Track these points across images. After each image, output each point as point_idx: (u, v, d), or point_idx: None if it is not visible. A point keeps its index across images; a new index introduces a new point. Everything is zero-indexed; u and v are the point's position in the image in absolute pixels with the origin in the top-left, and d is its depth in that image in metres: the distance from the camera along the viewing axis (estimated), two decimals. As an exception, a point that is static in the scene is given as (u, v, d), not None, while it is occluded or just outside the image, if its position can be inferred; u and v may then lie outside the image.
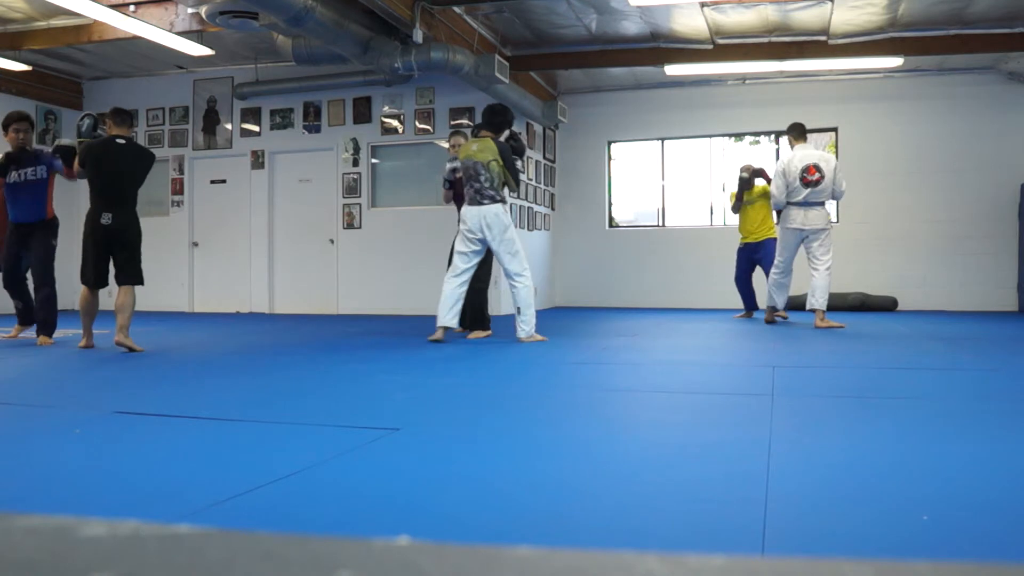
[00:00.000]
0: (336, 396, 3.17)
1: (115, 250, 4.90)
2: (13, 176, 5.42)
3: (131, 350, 4.73)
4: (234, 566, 0.42)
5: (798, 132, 6.76)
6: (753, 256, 7.73)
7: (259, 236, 9.60)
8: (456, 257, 5.38)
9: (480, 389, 3.38)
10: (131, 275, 4.93)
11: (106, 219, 4.81)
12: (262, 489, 1.70)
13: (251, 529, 0.48)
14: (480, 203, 5.27)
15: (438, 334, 5.32)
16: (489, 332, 5.86)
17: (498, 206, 5.26)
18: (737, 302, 8.20)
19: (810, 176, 6.49)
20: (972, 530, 1.42)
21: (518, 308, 5.32)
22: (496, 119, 5.43)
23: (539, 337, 5.34)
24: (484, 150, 5.30)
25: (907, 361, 4.30)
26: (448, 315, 5.31)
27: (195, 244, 9.86)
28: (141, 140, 10.04)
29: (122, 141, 4.91)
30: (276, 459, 2.00)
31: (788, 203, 6.59)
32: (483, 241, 5.31)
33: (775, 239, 7.22)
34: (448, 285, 5.36)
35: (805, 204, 6.54)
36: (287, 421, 2.57)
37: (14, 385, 3.64)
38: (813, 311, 6.57)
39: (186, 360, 4.53)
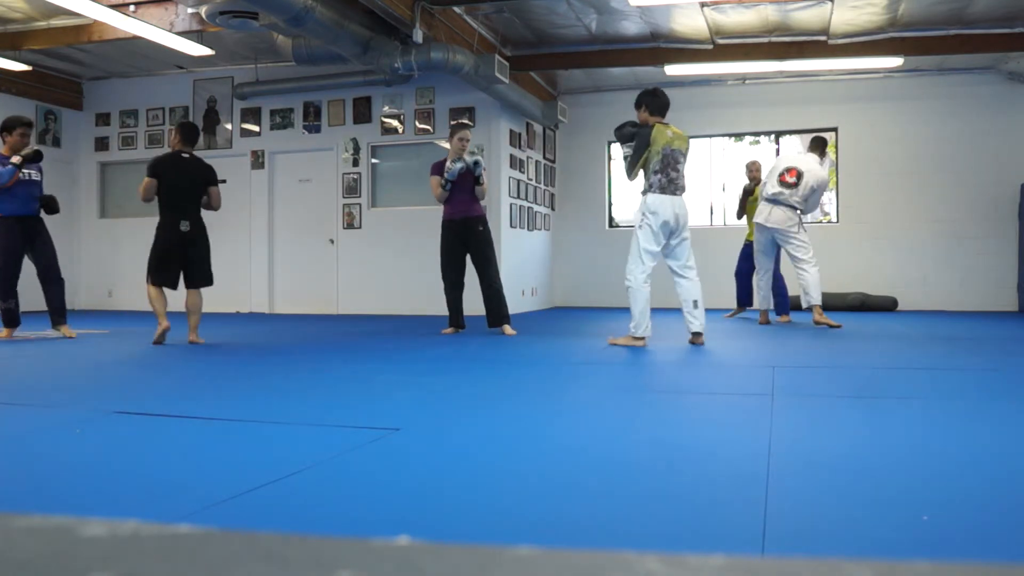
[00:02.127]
0: (336, 396, 3.17)
1: (190, 254, 5.33)
2: (23, 175, 5.66)
3: (200, 343, 5.30)
4: (234, 566, 0.42)
5: (814, 144, 7.02)
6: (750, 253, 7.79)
7: (259, 236, 9.60)
8: (647, 256, 4.96)
9: (480, 389, 3.38)
10: (204, 278, 5.43)
11: (184, 227, 5.26)
12: (262, 489, 1.70)
13: (251, 529, 0.48)
14: (675, 193, 5.05)
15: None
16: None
17: None
18: (734, 302, 8.18)
19: (788, 177, 6.63)
20: (972, 530, 1.42)
21: (694, 302, 5.02)
22: (667, 104, 5.13)
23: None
24: (681, 138, 5.14)
25: (907, 361, 4.30)
26: (647, 322, 4.95)
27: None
28: (141, 140, 10.07)
29: (186, 156, 5.35)
30: (276, 459, 2.00)
31: (763, 198, 6.79)
32: (672, 233, 5.04)
33: None
34: (647, 288, 4.96)
35: (773, 201, 6.67)
36: (287, 421, 2.57)
37: (14, 385, 3.64)
38: (811, 308, 6.61)
39: (186, 360, 4.53)
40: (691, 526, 1.46)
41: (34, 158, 5.66)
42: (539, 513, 1.57)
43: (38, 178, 5.78)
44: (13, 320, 5.72)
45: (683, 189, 5.16)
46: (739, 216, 8.12)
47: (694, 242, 4.70)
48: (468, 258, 6.14)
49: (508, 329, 5.97)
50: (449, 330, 6.15)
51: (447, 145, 9.02)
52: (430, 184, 6.14)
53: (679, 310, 5.20)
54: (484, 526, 1.47)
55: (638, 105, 5.14)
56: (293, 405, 2.96)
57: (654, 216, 4.96)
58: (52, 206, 5.83)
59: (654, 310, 5.12)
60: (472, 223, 6.03)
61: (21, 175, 5.60)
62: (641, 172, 5.07)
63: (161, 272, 5.29)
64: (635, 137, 5.01)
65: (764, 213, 6.71)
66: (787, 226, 6.62)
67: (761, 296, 7.06)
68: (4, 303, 5.65)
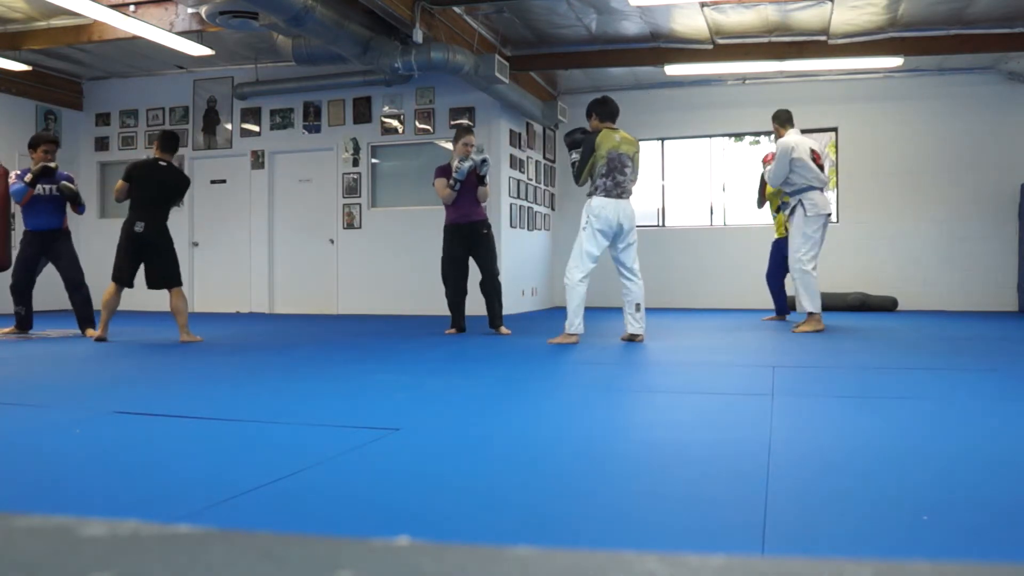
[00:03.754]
0: (336, 396, 3.17)
1: (149, 256, 5.48)
2: (38, 189, 5.92)
3: (194, 341, 5.44)
4: (234, 566, 0.42)
5: (783, 119, 6.33)
6: (785, 252, 7.10)
7: (259, 236, 9.60)
8: (587, 258, 5.14)
9: (480, 389, 3.38)
10: (164, 278, 5.52)
11: (139, 227, 5.41)
12: (262, 489, 1.70)
13: (251, 529, 0.48)
14: (620, 196, 5.17)
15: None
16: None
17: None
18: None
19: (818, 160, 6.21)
20: (972, 530, 1.42)
21: (637, 305, 5.24)
22: (616, 111, 5.32)
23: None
24: (629, 143, 5.26)
25: (907, 361, 4.29)
26: (579, 320, 5.20)
27: (195, 244, 9.86)
28: (141, 140, 10.06)
29: (163, 164, 5.58)
30: (276, 459, 2.00)
31: (812, 187, 6.10)
32: (615, 236, 5.20)
33: None
34: (582, 288, 5.20)
35: (820, 188, 6.13)
36: (287, 421, 2.57)
37: (14, 385, 3.64)
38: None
39: (186, 360, 4.53)
40: (691, 526, 1.46)
41: (42, 173, 5.82)
42: (539, 513, 1.57)
43: (57, 193, 5.99)
44: (24, 324, 6.01)
45: (629, 193, 5.26)
46: (759, 206, 7.54)
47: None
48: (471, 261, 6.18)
49: (504, 329, 6.10)
50: (452, 331, 6.18)
51: (448, 146, 9.06)
52: (435, 187, 6.13)
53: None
54: (484, 526, 1.47)
55: (588, 114, 5.35)
56: (293, 405, 2.95)
57: (597, 219, 5.09)
58: (74, 200, 6.04)
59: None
60: (477, 227, 6.07)
61: (40, 191, 5.89)
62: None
63: (116, 269, 5.50)
64: (582, 143, 5.20)
65: (822, 201, 6.09)
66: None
67: (812, 295, 6.09)
68: (16, 308, 6.01)
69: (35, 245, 5.95)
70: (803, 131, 6.71)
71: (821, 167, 6.20)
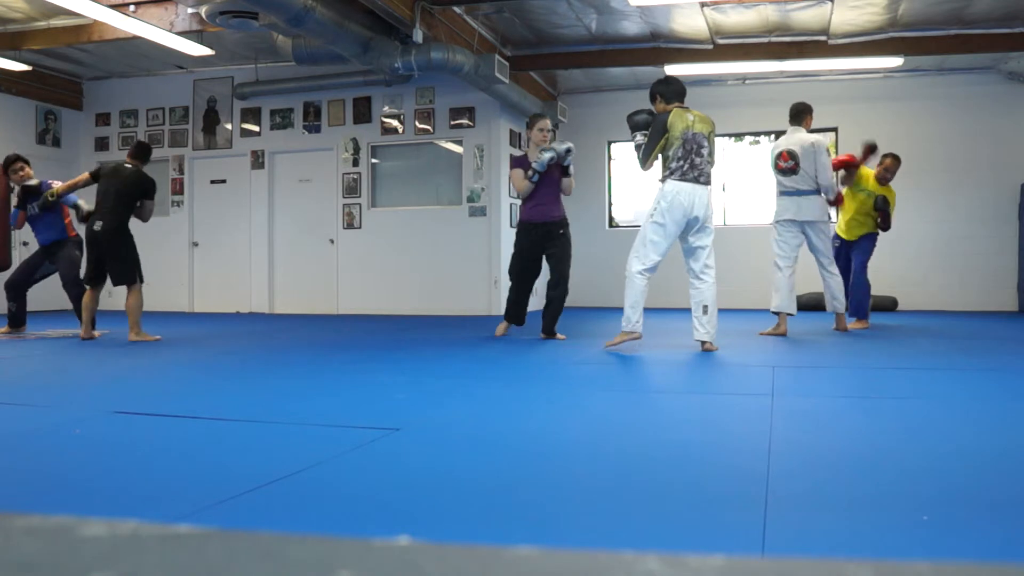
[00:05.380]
0: (336, 396, 3.17)
1: (100, 253, 5.59)
2: (30, 209, 6.13)
3: (146, 340, 5.45)
4: (234, 566, 0.42)
5: (789, 115, 6.06)
6: (848, 254, 6.76)
7: (259, 236, 9.60)
8: (651, 248, 4.58)
9: (480, 389, 3.38)
10: (116, 275, 5.61)
11: (96, 226, 5.56)
12: (262, 489, 1.70)
13: (251, 529, 0.48)
14: (698, 181, 4.59)
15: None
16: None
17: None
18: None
19: (783, 162, 5.86)
20: (972, 530, 1.42)
21: (704, 307, 4.64)
22: (683, 90, 4.78)
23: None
24: (704, 121, 4.69)
25: (907, 361, 4.29)
26: (637, 316, 4.65)
27: (195, 244, 9.86)
28: (141, 140, 10.06)
29: (129, 166, 5.72)
30: (276, 459, 2.00)
31: (783, 192, 5.96)
32: (688, 226, 4.62)
33: (868, 235, 6.66)
34: (641, 281, 4.63)
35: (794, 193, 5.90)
36: (287, 421, 2.57)
37: (14, 385, 3.64)
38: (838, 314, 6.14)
39: (186, 360, 4.53)
40: (691, 526, 1.46)
41: (25, 194, 6.07)
42: (539, 513, 1.57)
43: (37, 211, 6.09)
44: (16, 321, 6.12)
45: (708, 178, 4.67)
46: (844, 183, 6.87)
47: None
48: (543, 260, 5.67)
49: (559, 335, 5.63)
50: (503, 328, 5.76)
51: (448, 146, 9.07)
52: (511, 179, 5.61)
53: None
54: (484, 526, 1.47)
55: (652, 98, 4.84)
56: (293, 405, 2.95)
57: (670, 205, 4.54)
58: (50, 207, 6.12)
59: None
60: (554, 228, 5.50)
61: (31, 209, 6.09)
62: (659, 161, 4.69)
63: (86, 271, 5.74)
64: (649, 124, 4.68)
65: (781, 207, 5.91)
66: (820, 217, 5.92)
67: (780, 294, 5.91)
68: (8, 304, 6.16)
69: (40, 253, 6.23)
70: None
71: (787, 170, 5.83)
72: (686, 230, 4.63)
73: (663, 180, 4.64)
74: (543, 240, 5.51)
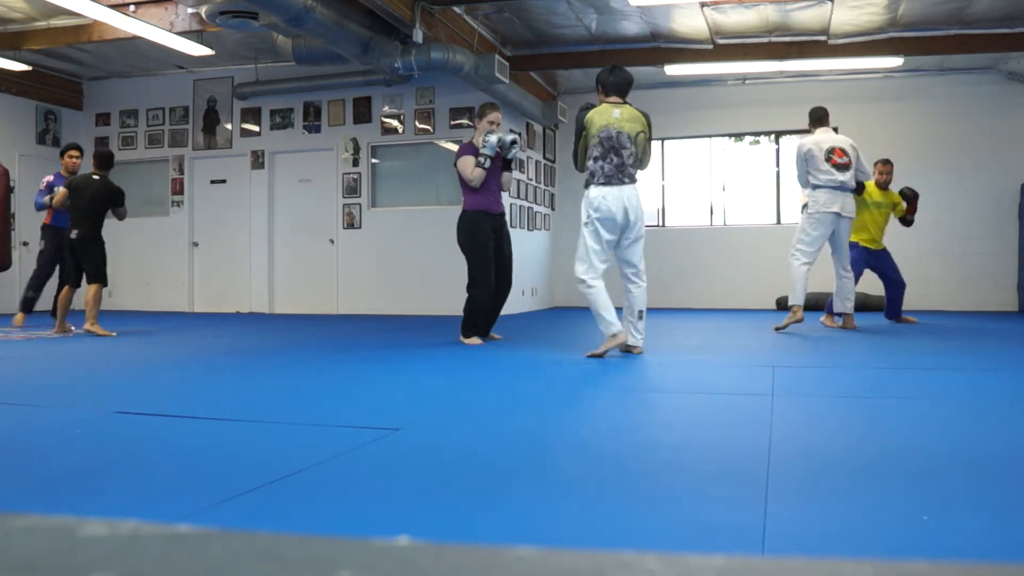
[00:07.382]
0: (336, 396, 3.17)
1: (77, 257, 6.12)
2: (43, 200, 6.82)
3: (99, 335, 5.94)
4: (234, 566, 0.42)
5: (812, 119, 6.31)
6: (872, 262, 7.14)
7: (259, 236, 9.60)
8: (594, 255, 4.46)
9: (480, 389, 3.38)
10: (91, 275, 6.11)
11: (73, 234, 6.09)
12: (262, 489, 1.70)
13: (251, 529, 0.48)
14: (622, 182, 4.43)
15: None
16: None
17: (637, 188, 4.52)
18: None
19: (838, 158, 6.04)
20: (972, 530, 1.42)
21: (640, 312, 4.55)
22: (630, 84, 4.60)
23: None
24: (631, 120, 4.48)
25: (906, 361, 4.29)
26: (612, 317, 4.43)
27: (195, 244, 9.86)
28: (141, 140, 10.06)
29: (96, 177, 6.19)
30: (276, 459, 2.00)
31: (819, 186, 6.06)
32: (622, 229, 4.47)
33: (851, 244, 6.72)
34: (598, 285, 4.47)
35: (841, 188, 6.05)
36: (287, 421, 2.57)
37: (14, 385, 3.64)
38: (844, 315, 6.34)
39: (186, 360, 4.53)
40: (691, 526, 1.46)
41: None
42: (539, 513, 1.57)
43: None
44: (27, 306, 6.91)
45: (632, 178, 4.51)
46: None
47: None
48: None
49: (494, 335, 5.58)
50: (476, 341, 5.30)
51: (448, 145, 9.07)
52: (459, 168, 5.29)
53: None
54: (484, 526, 1.47)
55: (595, 87, 4.70)
56: (293, 405, 2.96)
57: (598, 211, 4.41)
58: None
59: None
60: (504, 221, 5.40)
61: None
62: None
63: (66, 272, 6.37)
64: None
65: (823, 200, 5.98)
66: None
67: (795, 288, 6.10)
68: (26, 292, 6.98)
69: (53, 240, 6.78)
70: (803, 131, 6.69)
71: (842, 166, 6.01)
72: (617, 231, 4.49)
73: (586, 186, 4.51)
74: (497, 234, 5.32)
